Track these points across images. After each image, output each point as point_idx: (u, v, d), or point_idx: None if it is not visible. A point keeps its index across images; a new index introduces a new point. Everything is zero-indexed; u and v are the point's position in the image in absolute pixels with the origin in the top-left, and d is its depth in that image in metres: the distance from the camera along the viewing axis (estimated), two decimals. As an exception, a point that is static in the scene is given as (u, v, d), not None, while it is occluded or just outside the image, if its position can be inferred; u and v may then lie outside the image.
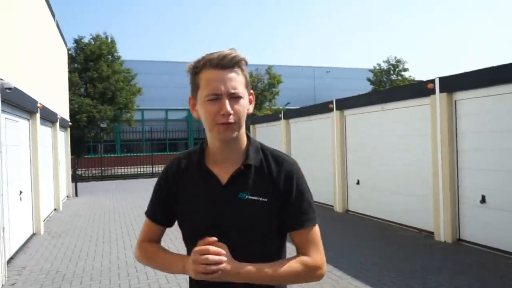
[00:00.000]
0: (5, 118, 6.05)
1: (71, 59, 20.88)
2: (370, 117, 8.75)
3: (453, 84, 6.46)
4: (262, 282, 1.27)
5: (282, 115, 12.78)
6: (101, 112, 20.62)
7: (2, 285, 5.03)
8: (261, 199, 1.30)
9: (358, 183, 9.09)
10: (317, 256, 1.32)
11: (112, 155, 25.78)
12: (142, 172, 22.04)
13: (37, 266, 5.89)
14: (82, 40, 22.34)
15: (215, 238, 1.21)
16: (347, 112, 9.57)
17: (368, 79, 30.02)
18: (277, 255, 1.36)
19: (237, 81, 1.26)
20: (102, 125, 21.09)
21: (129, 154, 25.51)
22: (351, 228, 7.92)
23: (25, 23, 7.87)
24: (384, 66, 29.73)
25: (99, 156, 22.68)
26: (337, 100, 9.83)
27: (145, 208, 1.50)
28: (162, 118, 31.06)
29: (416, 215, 7.31)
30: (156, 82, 29.51)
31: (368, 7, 74.88)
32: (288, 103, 28.14)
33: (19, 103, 6.69)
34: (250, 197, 1.30)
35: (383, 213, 8.21)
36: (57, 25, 12.51)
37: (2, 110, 5.58)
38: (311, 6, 74.12)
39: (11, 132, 6.52)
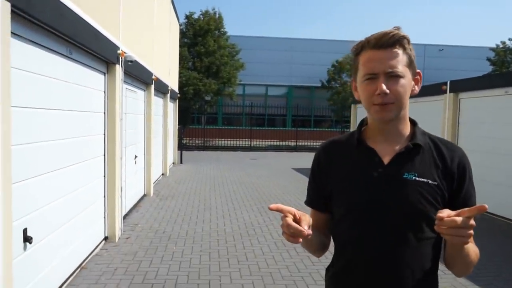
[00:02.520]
0: (126, 88, 6.64)
1: (182, 34, 22.06)
2: (490, 102, 7.85)
3: None
4: (462, 255, 1.21)
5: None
6: (206, 86, 21.65)
7: (119, 237, 5.66)
8: (430, 181, 1.23)
9: (469, 173, 8.29)
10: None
11: (214, 127, 27.14)
12: (240, 145, 22.94)
13: (147, 224, 6.49)
14: (192, 16, 23.42)
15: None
16: (462, 95, 8.71)
17: (488, 59, 26.87)
18: (435, 244, 1.28)
19: (396, 60, 1.20)
20: (206, 98, 22.18)
21: (229, 127, 26.57)
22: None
23: (144, 1, 8.46)
24: (510, 44, 26.30)
25: (202, 127, 23.99)
26: (451, 82, 8.99)
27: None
28: (262, 93, 31.63)
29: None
30: (259, 57, 29.93)
31: (494, -23, 66.42)
32: (394, 82, 26.55)
33: (137, 75, 7.28)
34: (418, 178, 1.24)
35: (499, 209, 7.42)
36: (172, 2, 13.26)
37: (124, 81, 6.12)
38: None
39: (130, 102, 7.16)
